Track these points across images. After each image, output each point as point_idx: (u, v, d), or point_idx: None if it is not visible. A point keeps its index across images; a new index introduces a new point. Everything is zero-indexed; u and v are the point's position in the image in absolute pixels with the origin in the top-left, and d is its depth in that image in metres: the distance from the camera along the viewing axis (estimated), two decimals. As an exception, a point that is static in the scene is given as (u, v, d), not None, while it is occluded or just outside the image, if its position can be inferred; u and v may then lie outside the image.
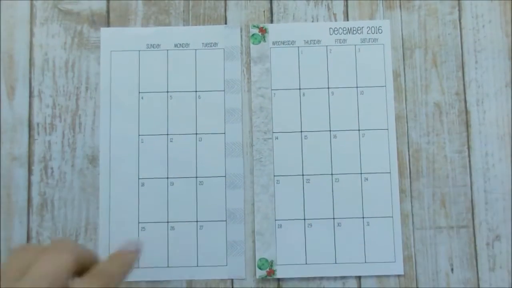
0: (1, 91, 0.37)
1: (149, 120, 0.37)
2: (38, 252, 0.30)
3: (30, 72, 0.38)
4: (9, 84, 0.38)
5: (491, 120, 0.37)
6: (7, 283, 0.29)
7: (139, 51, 0.38)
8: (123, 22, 0.38)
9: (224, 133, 0.37)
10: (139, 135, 0.37)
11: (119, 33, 0.38)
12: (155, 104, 0.37)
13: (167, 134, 0.37)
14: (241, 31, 0.38)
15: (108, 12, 0.38)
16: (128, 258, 0.33)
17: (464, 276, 0.36)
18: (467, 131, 0.37)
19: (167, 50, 0.38)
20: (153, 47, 0.38)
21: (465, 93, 0.38)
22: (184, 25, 0.38)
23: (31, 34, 0.38)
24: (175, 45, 0.38)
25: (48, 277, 0.28)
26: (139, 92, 0.37)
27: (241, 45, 0.38)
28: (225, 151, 0.37)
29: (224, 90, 0.37)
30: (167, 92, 0.37)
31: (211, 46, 0.38)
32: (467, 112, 0.37)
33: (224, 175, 0.37)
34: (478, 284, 0.36)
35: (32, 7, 0.38)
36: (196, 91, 0.37)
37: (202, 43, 0.38)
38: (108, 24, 0.38)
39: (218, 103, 0.37)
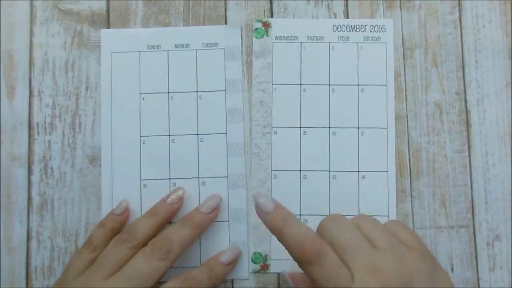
0: (1, 91, 0.37)
1: (151, 121, 0.37)
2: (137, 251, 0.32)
3: (30, 72, 0.38)
4: (9, 84, 0.37)
5: (491, 120, 0.37)
6: (102, 273, 0.31)
7: (139, 52, 0.38)
8: (123, 22, 0.38)
9: (226, 133, 0.37)
10: (140, 136, 0.37)
11: (119, 35, 0.38)
12: (156, 105, 0.37)
13: (169, 135, 0.37)
14: (241, 31, 0.38)
15: (108, 12, 0.38)
16: (220, 271, 0.34)
17: (464, 276, 0.36)
18: (467, 130, 0.37)
19: (168, 50, 0.38)
20: (154, 48, 0.38)
21: (465, 93, 0.38)
22: (184, 25, 0.38)
23: (31, 34, 0.38)
24: (176, 46, 0.38)
25: (141, 277, 0.30)
26: (140, 93, 0.37)
27: (242, 44, 0.38)
28: (227, 151, 0.37)
29: (225, 90, 0.37)
30: (168, 92, 0.37)
31: (211, 46, 0.38)
32: (467, 111, 0.37)
33: (226, 175, 0.37)
34: (478, 284, 0.36)
35: (32, 7, 0.38)
36: (197, 92, 0.37)
37: (203, 43, 0.38)
38: (108, 24, 0.38)
39: (219, 103, 0.37)
